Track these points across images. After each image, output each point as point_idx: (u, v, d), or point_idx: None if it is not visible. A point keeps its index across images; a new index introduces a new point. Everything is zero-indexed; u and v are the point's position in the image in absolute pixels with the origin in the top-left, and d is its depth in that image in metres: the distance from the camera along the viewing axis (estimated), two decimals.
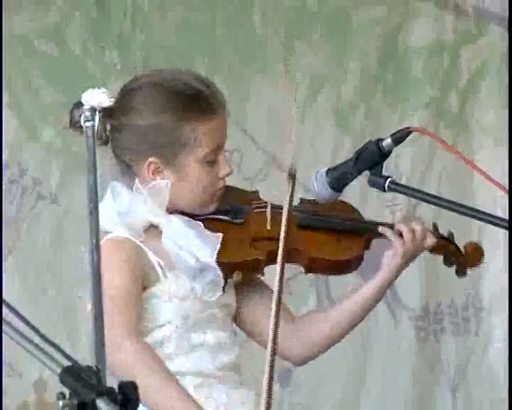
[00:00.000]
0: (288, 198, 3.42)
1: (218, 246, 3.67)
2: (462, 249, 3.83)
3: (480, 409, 7.03)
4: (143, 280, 3.66)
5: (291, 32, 6.56)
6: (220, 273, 3.65)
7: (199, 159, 3.71)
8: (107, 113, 3.50)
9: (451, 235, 3.84)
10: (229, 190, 3.79)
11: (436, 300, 6.84)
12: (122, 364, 3.44)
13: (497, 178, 4.53)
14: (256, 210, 3.78)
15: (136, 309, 3.61)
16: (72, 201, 5.70)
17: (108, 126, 3.69)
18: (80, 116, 2.77)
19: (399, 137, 3.36)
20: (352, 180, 3.44)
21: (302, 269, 3.84)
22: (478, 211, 3.56)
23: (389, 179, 3.30)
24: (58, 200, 5.95)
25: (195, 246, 3.67)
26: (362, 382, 6.63)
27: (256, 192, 3.88)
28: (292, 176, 3.30)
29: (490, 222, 3.58)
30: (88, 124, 2.53)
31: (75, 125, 3.26)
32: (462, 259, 3.83)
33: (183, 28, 6.23)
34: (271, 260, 3.58)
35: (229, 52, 6.23)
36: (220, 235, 3.70)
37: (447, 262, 3.85)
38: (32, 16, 6.07)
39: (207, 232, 3.70)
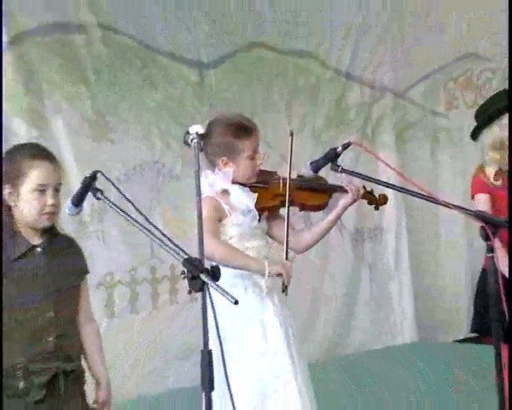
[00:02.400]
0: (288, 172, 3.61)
1: (255, 199, 3.58)
2: (377, 197, 3.76)
3: (381, 275, 7.03)
4: (219, 217, 3.57)
5: (290, 95, 6.57)
6: (256, 213, 3.59)
7: (245, 157, 3.58)
8: (202, 136, 3.51)
9: (372, 192, 3.74)
10: (263, 171, 3.72)
11: (361, 225, 6.88)
12: (214, 252, 3.38)
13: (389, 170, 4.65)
14: (274, 181, 3.69)
15: (216, 226, 3.54)
16: (188, 179, 5.52)
17: (202, 143, 3.64)
18: (189, 138, 2.82)
19: (345, 147, 3.39)
20: (322, 167, 3.45)
21: (297, 209, 3.78)
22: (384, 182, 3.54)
23: (340, 166, 3.36)
24: (180, 179, 5.91)
25: (245, 199, 3.60)
26: (325, 267, 6.67)
27: (276, 173, 3.77)
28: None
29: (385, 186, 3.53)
30: (195, 140, 2.78)
31: (187, 142, 3.26)
32: (377, 201, 3.75)
33: (237, 94, 6.21)
34: (282, 205, 3.60)
35: (259, 106, 6.20)
36: (256, 195, 3.60)
37: (370, 204, 3.76)
38: (163, 90, 6.02)
39: (251, 193, 3.61)
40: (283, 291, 3.58)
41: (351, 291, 6.84)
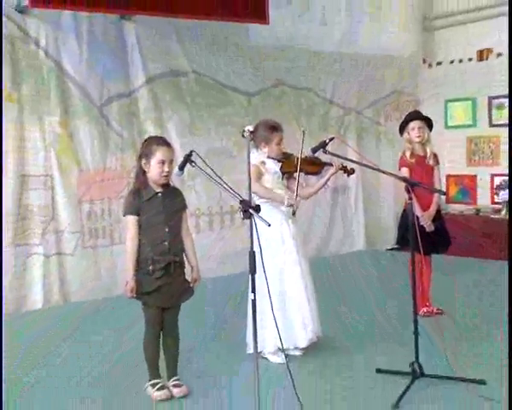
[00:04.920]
0: (300, 152, 3.47)
1: (279, 166, 3.48)
2: (349, 169, 3.61)
3: (347, 213, 6.81)
4: (260, 175, 3.43)
5: (297, 113, 6.38)
6: (280, 174, 3.50)
7: (274, 143, 3.45)
8: (252, 132, 3.39)
9: (347, 167, 3.59)
10: (286, 153, 3.54)
11: (336, 185, 6.59)
12: (257, 190, 3.32)
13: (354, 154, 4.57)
14: (292, 157, 3.51)
15: (258, 178, 3.41)
16: (239, 158, 5.51)
17: (252, 135, 3.50)
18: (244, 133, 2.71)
19: (330, 139, 3.22)
20: (318, 151, 3.24)
21: (303, 173, 3.57)
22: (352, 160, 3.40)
23: (327, 150, 3.19)
24: (235, 157, 5.74)
25: (274, 166, 3.48)
26: (315, 209, 6.45)
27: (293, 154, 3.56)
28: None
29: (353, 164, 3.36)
30: (246, 135, 2.56)
31: (243, 134, 3.28)
32: (349, 172, 3.60)
33: (269, 112, 5.90)
34: (296, 170, 3.44)
35: (280, 120, 5.83)
36: (280, 164, 3.47)
37: (344, 173, 3.61)
38: (226, 109, 5.83)
39: (277, 163, 3.49)
40: (293, 214, 3.48)
41: (330, 221, 6.69)
